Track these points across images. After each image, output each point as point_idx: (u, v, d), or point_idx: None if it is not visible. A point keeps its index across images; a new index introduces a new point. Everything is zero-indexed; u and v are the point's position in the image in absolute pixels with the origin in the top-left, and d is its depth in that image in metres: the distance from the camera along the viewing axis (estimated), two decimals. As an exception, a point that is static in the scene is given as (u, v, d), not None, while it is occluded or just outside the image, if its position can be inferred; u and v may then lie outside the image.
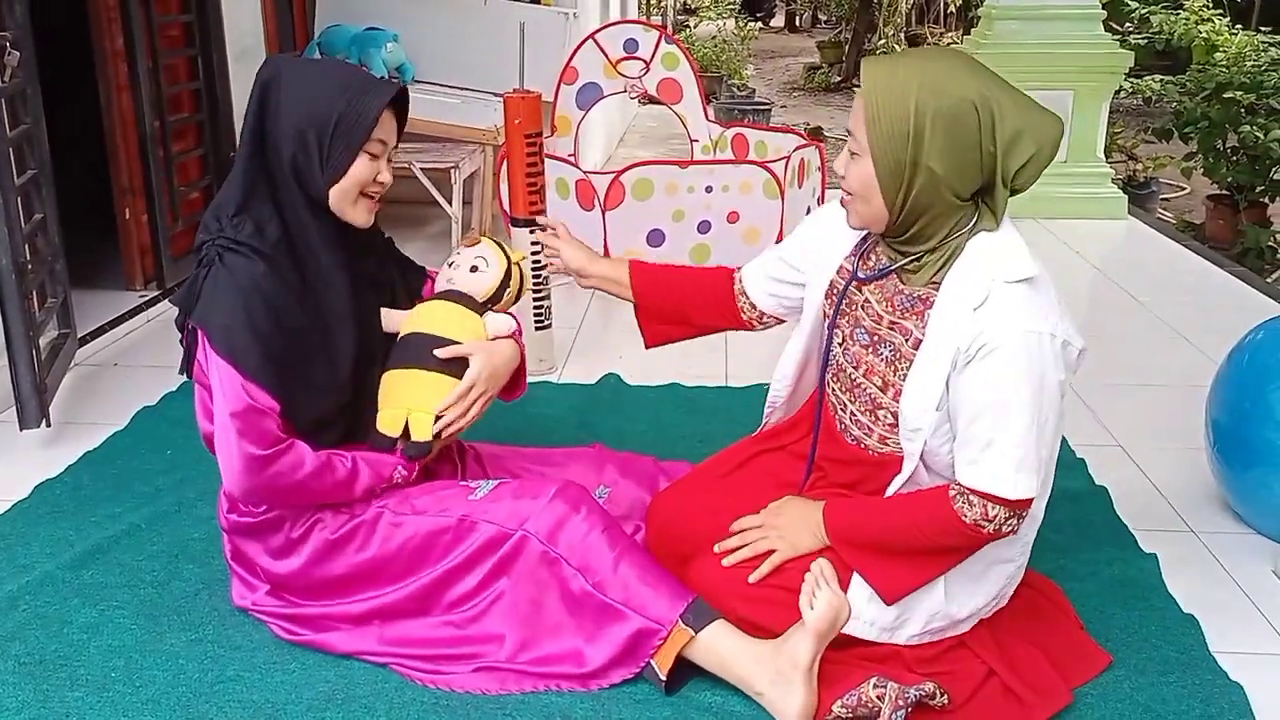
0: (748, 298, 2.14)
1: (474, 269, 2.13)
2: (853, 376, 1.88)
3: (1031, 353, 1.65)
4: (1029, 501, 1.71)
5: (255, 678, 1.90)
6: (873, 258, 1.88)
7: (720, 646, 1.83)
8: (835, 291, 1.93)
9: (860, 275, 1.87)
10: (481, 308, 2.13)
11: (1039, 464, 1.70)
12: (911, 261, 1.78)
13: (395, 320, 2.09)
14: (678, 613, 1.82)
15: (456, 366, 2.03)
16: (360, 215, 1.92)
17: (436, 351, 2.01)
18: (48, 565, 2.25)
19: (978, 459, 1.70)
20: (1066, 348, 1.70)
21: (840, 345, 1.92)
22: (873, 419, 1.86)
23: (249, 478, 1.84)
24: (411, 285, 2.19)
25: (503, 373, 2.09)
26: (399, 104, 1.95)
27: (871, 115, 1.66)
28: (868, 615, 1.84)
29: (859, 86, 1.73)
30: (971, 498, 1.70)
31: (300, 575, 1.97)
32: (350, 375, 1.97)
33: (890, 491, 1.85)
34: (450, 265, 2.15)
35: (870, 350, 1.85)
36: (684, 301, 2.19)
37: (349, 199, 1.90)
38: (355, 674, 1.91)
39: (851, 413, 1.91)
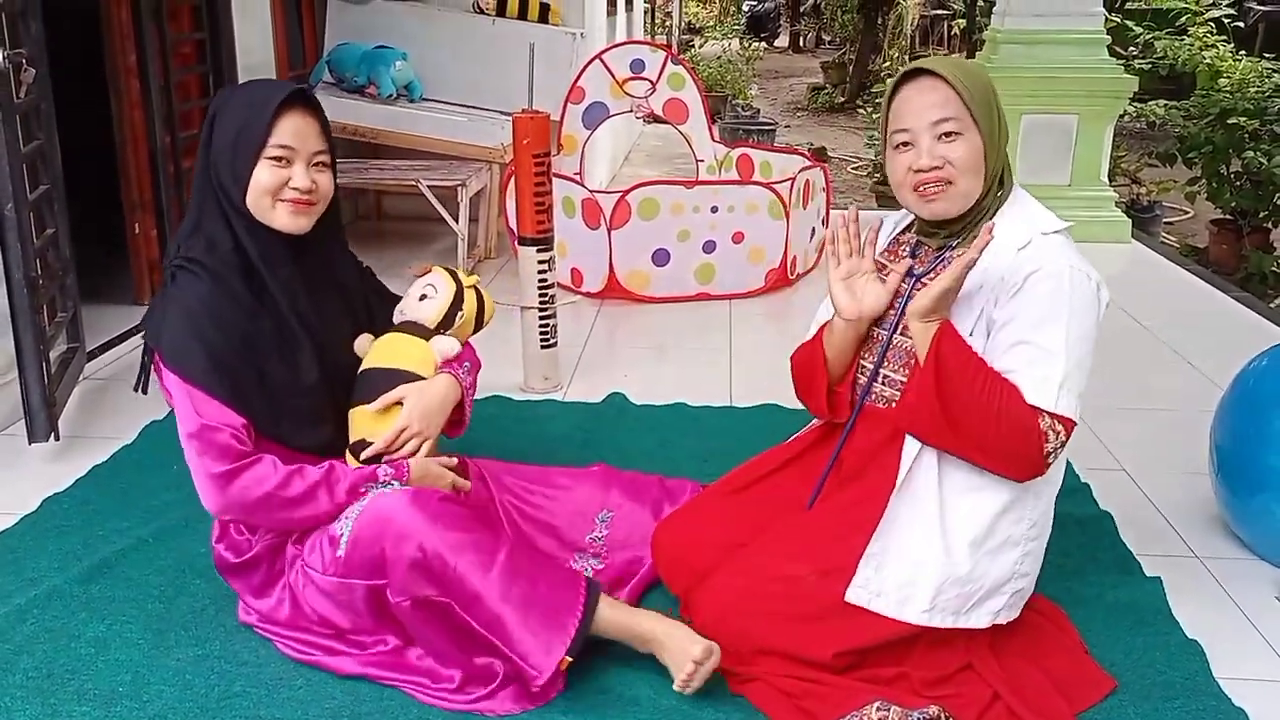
0: None
1: (423, 296, 2.18)
2: (896, 341, 1.97)
3: (1084, 289, 1.81)
4: (1072, 427, 1.80)
5: (262, 694, 1.91)
6: (919, 252, 1.99)
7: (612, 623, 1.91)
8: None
9: (917, 273, 1.97)
10: (431, 333, 2.17)
11: (1083, 394, 1.81)
12: (963, 238, 1.91)
13: (364, 348, 2.14)
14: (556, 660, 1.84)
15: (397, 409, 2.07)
16: (282, 219, 1.96)
17: (368, 407, 2.05)
18: (56, 579, 2.26)
19: (1040, 379, 1.77)
20: (1100, 290, 1.84)
21: (878, 324, 2.01)
22: (905, 370, 1.94)
23: (216, 495, 1.88)
24: (386, 314, 2.22)
25: (436, 410, 2.09)
26: (314, 111, 1.99)
27: (967, 93, 1.83)
28: (873, 586, 1.86)
29: (912, 84, 1.87)
30: (1043, 414, 1.77)
31: (277, 613, 2.02)
32: (319, 375, 2.02)
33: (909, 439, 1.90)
34: (405, 297, 2.21)
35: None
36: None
37: (264, 205, 1.94)
38: (362, 691, 1.92)
39: (884, 375, 1.99)
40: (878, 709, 1.78)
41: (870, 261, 1.98)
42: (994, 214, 1.90)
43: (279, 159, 1.93)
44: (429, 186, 4.64)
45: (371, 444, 2.04)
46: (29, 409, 2.82)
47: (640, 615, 1.96)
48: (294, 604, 2.00)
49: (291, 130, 1.94)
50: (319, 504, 1.94)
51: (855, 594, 1.88)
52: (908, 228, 2.07)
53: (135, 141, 4.00)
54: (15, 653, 2.02)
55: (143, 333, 1.96)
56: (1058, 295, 1.79)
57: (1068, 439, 1.80)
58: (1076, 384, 1.80)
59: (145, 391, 2.01)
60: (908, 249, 2.03)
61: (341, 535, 1.91)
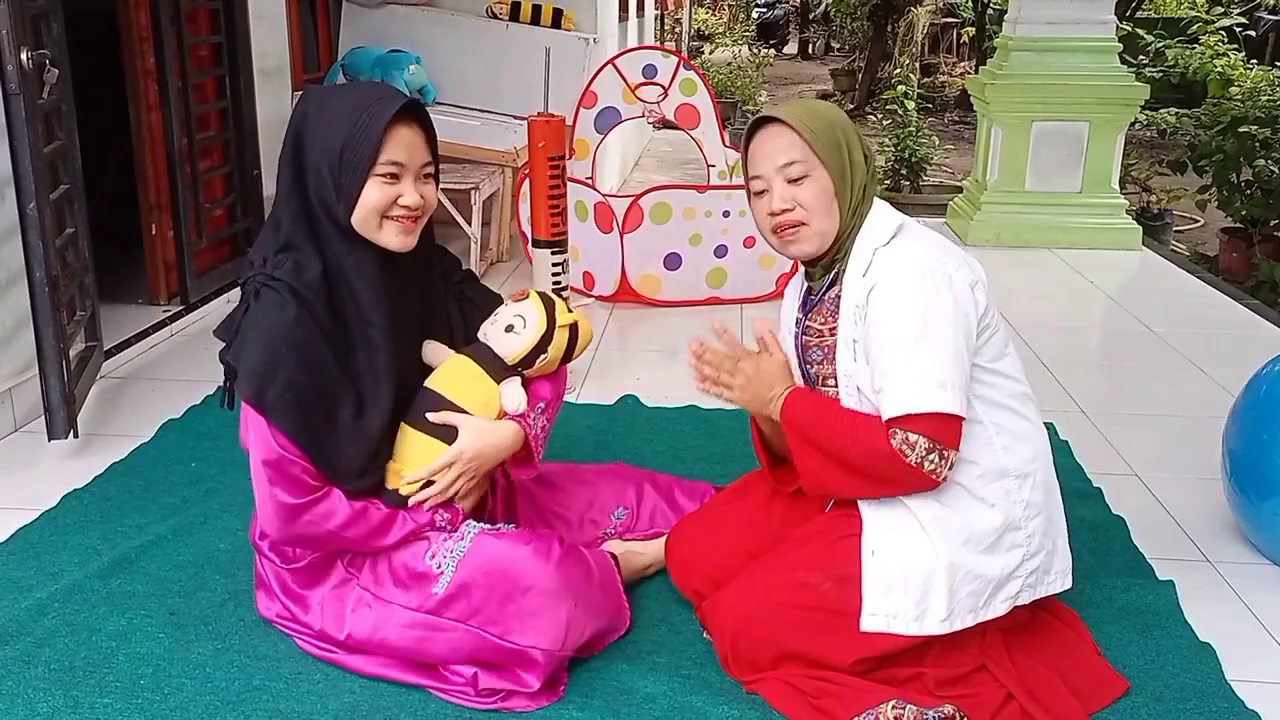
0: None
1: (509, 328, 2.04)
2: (832, 389, 1.99)
3: (909, 282, 1.83)
4: (943, 420, 1.78)
5: (281, 688, 1.93)
6: (810, 295, 2.04)
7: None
8: (798, 343, 2.08)
9: (800, 315, 2.04)
10: (507, 372, 2.04)
11: (944, 381, 1.79)
12: (837, 274, 1.96)
13: (438, 357, 2.06)
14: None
15: (449, 432, 1.98)
16: (391, 238, 1.87)
17: (429, 415, 1.98)
18: (76, 574, 2.29)
19: (886, 388, 1.81)
20: (949, 279, 1.84)
21: (816, 379, 2.05)
22: (860, 405, 1.95)
23: (282, 526, 1.86)
24: (471, 325, 2.12)
25: (491, 456, 2.00)
26: (422, 121, 1.91)
27: (810, 134, 1.88)
28: (887, 609, 1.86)
29: (761, 133, 1.93)
30: (894, 428, 1.80)
31: (308, 616, 2.00)
32: (385, 425, 1.94)
33: None
34: (493, 319, 2.08)
35: (827, 361, 1.98)
36: None
37: (371, 225, 1.85)
38: (381, 686, 1.93)
39: (842, 396, 2.00)
40: (893, 708, 1.80)
41: (745, 362, 2.00)
42: (851, 246, 1.92)
43: (388, 176, 1.83)
44: (442, 190, 4.65)
45: (413, 471, 1.97)
46: (49, 406, 2.85)
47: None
48: (333, 617, 1.97)
49: (402, 144, 1.83)
50: (372, 545, 1.93)
51: (871, 622, 1.86)
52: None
53: (153, 143, 4.03)
54: (37, 646, 2.04)
55: (221, 348, 1.90)
56: (892, 302, 1.82)
57: (940, 437, 1.78)
58: (933, 378, 1.78)
59: (232, 408, 1.91)
60: (802, 294, 2.08)
61: (442, 574, 1.89)
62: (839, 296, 1.94)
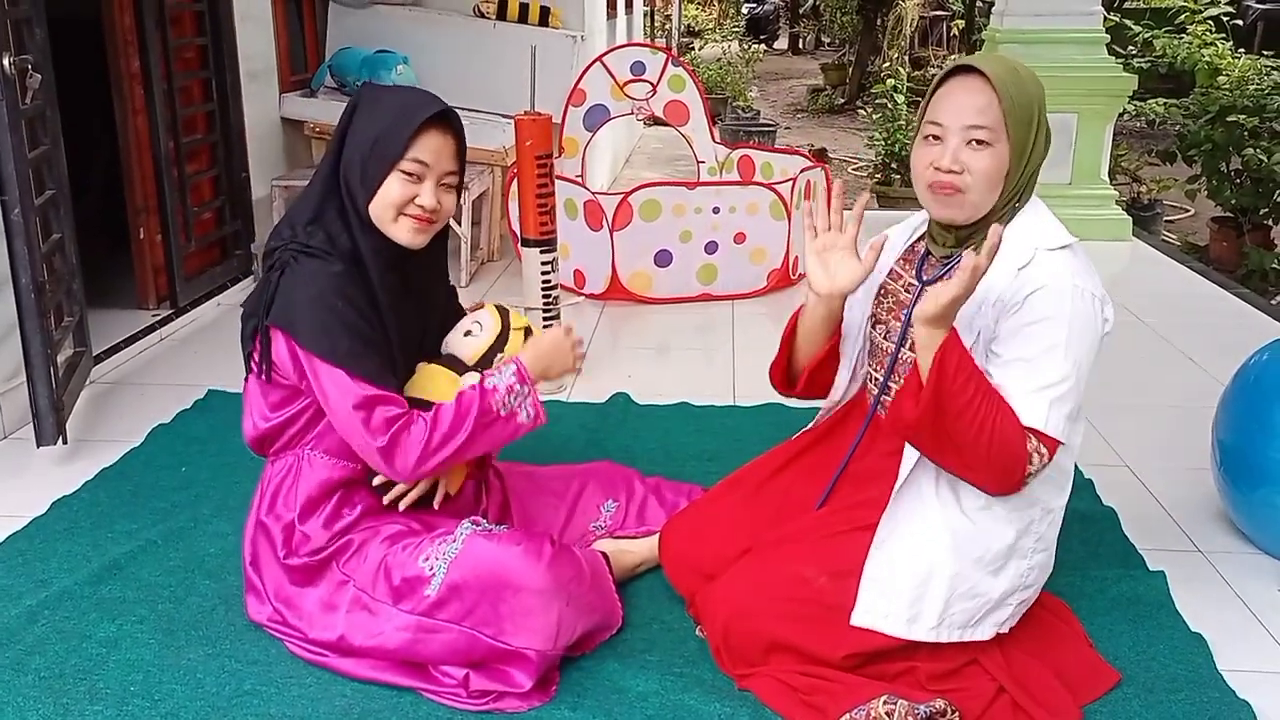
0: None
1: (467, 333, 2.16)
2: (903, 355, 1.94)
3: (1084, 308, 1.77)
4: (1059, 449, 1.78)
5: (272, 692, 1.93)
6: (930, 257, 1.95)
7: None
8: (889, 296, 2.00)
9: (926, 279, 1.93)
10: (466, 370, 2.12)
11: (1073, 414, 1.78)
12: (974, 245, 1.85)
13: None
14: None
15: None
16: (403, 234, 1.94)
17: None
18: (66, 580, 2.28)
19: (1032, 399, 1.75)
20: (1104, 309, 1.82)
21: (884, 336, 2.00)
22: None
23: (388, 469, 1.89)
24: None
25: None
26: (456, 131, 1.97)
27: (1009, 103, 1.77)
28: (880, 608, 1.86)
29: (959, 80, 1.81)
30: (1030, 435, 1.75)
31: (300, 619, 2.00)
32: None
33: (906, 453, 1.88)
34: (454, 330, 2.18)
35: (895, 319, 1.93)
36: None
37: (386, 217, 1.93)
38: (373, 689, 1.93)
39: (893, 389, 1.96)
40: (884, 703, 1.80)
41: (850, 237, 1.91)
42: (1005, 224, 1.85)
43: (411, 174, 1.91)
44: (431, 189, 4.65)
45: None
46: (37, 413, 2.84)
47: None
48: (326, 620, 1.97)
49: (430, 147, 1.91)
50: (477, 429, 1.92)
51: (862, 617, 1.86)
52: (921, 237, 2.02)
53: (139, 147, 4.02)
54: (27, 653, 2.03)
55: (256, 319, 1.91)
56: (1058, 315, 1.75)
57: (1051, 460, 1.77)
58: (1068, 405, 1.76)
59: (269, 379, 1.94)
60: (917, 257, 1.99)
61: (434, 576, 1.90)
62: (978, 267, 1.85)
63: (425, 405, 2.01)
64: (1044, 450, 1.75)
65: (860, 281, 1.90)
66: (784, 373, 2.14)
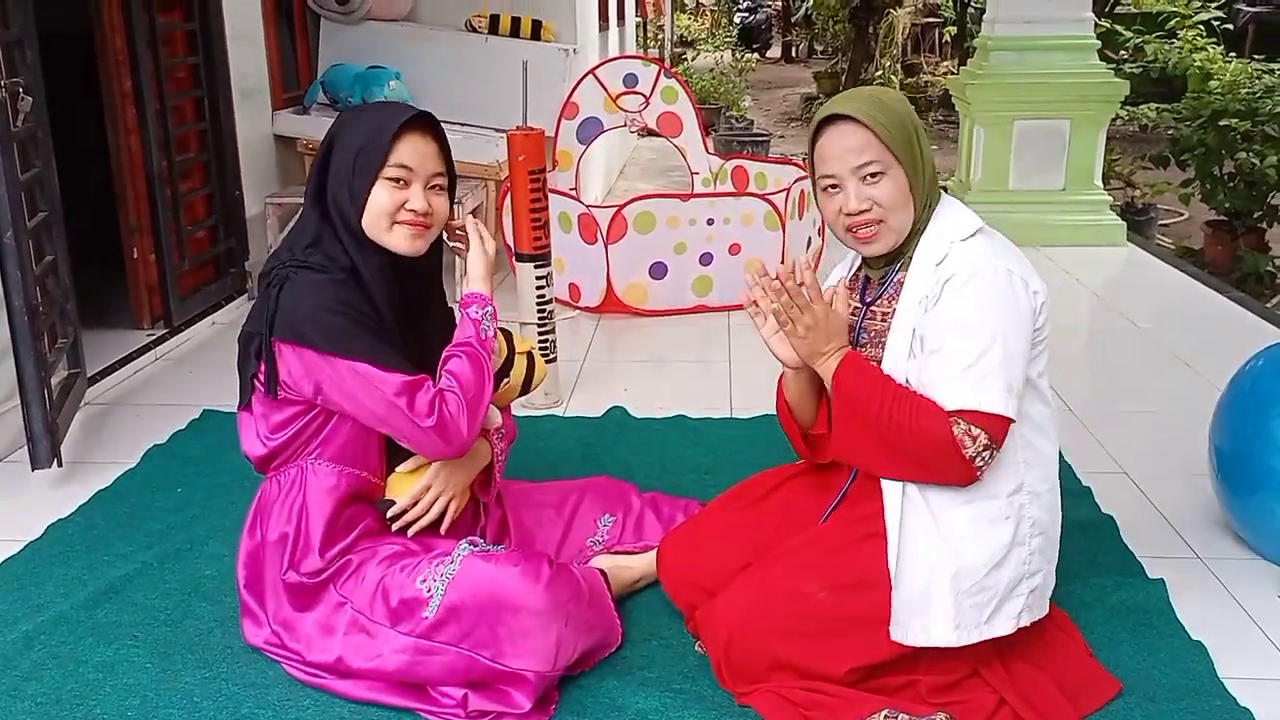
0: None
1: None
2: None
3: (996, 282, 1.81)
4: (1002, 423, 1.77)
5: (269, 715, 1.91)
6: (869, 283, 1.99)
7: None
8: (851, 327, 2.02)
9: (868, 300, 1.98)
10: None
11: (1010, 386, 1.78)
12: (903, 261, 1.92)
13: None
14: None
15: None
16: (400, 242, 1.94)
17: (400, 466, 2.04)
18: (62, 605, 2.27)
19: (956, 381, 1.78)
20: (1027, 285, 1.84)
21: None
22: None
23: (443, 445, 1.90)
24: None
25: (466, 472, 2.08)
26: (436, 134, 1.97)
27: (885, 132, 1.84)
28: (900, 618, 1.85)
29: (831, 129, 1.88)
30: (958, 419, 1.76)
31: (298, 643, 1.99)
32: None
33: None
34: None
35: (872, 345, 1.95)
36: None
37: (380, 228, 1.93)
38: (370, 710, 1.92)
39: None
40: (885, 716, 1.79)
41: (818, 305, 1.91)
42: (922, 234, 1.91)
43: (397, 180, 1.91)
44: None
45: (396, 501, 2.02)
46: (31, 436, 2.83)
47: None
48: (324, 642, 1.96)
49: (411, 151, 1.92)
50: (485, 378, 1.96)
51: (896, 631, 1.86)
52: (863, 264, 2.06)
53: (132, 166, 4.02)
54: (23, 679, 2.02)
55: (260, 338, 1.90)
56: (970, 295, 1.80)
57: (996, 436, 1.77)
58: (999, 379, 1.77)
59: (276, 395, 1.93)
60: (861, 280, 2.04)
61: (432, 598, 1.88)
62: (901, 284, 1.91)
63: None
64: (977, 430, 1.76)
65: (841, 336, 1.94)
66: (807, 445, 2.14)
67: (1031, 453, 1.88)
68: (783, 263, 4.46)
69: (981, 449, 1.76)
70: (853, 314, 2.00)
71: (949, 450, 1.76)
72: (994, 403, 1.76)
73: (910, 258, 1.91)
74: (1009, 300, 1.80)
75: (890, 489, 1.88)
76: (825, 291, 1.96)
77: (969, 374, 1.77)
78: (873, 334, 1.96)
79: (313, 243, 1.94)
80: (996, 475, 1.84)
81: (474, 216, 2.06)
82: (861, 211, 1.86)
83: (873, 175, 1.85)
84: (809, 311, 1.88)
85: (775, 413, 2.18)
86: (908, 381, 1.85)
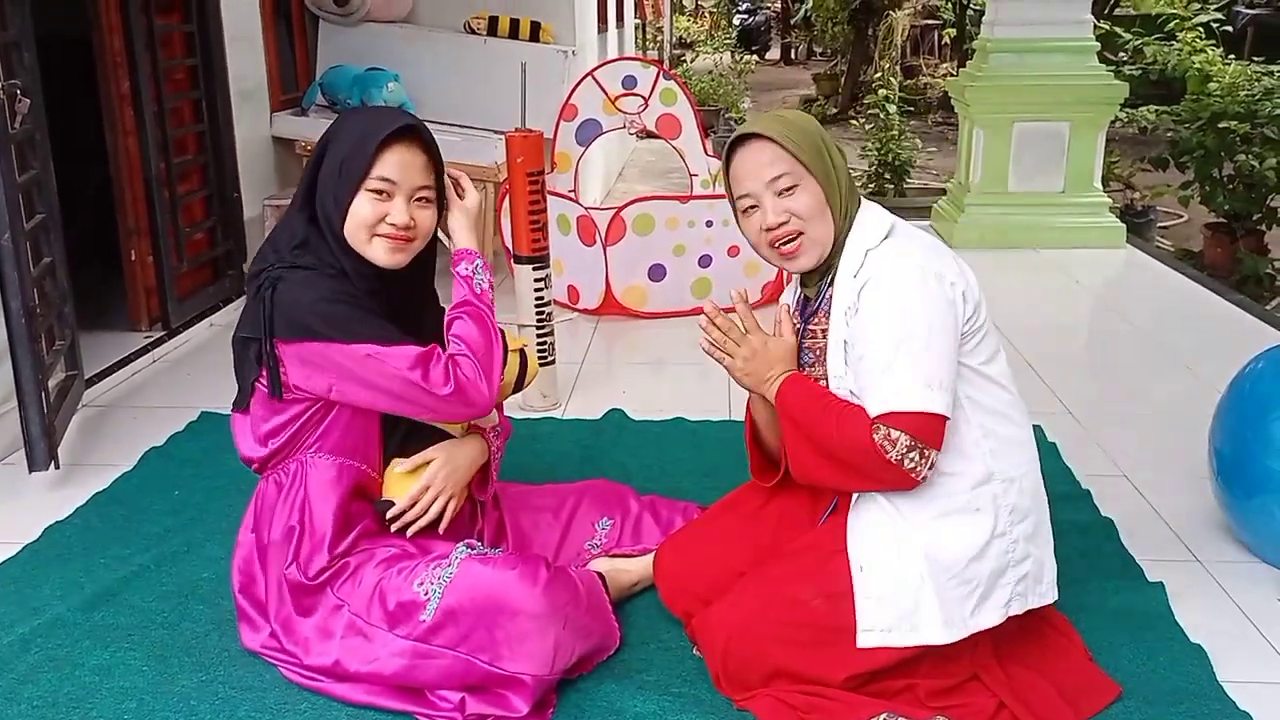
0: None
1: None
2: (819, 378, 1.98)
3: (906, 282, 1.82)
4: (928, 419, 1.77)
5: (266, 718, 1.91)
6: (808, 299, 2.02)
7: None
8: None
9: (805, 317, 2.02)
10: None
11: (930, 381, 1.77)
12: (832, 278, 1.94)
13: None
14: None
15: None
16: (379, 254, 1.93)
17: (397, 467, 2.04)
18: (59, 608, 2.26)
19: (871, 385, 1.80)
20: (941, 279, 1.84)
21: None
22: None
23: (474, 403, 1.90)
24: None
25: (462, 471, 2.07)
26: (424, 144, 1.95)
27: (794, 145, 1.87)
28: (881, 624, 1.84)
29: (741, 150, 1.92)
30: (878, 424, 1.78)
31: (296, 647, 1.99)
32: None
33: None
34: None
35: (819, 364, 1.96)
36: None
37: (360, 239, 1.91)
38: (367, 714, 1.91)
39: None
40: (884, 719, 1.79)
41: (754, 336, 1.98)
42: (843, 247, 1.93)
43: (379, 192, 1.89)
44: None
45: (395, 502, 2.02)
46: (29, 438, 2.82)
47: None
48: (321, 645, 1.95)
49: (395, 163, 1.90)
50: (493, 338, 1.96)
51: (867, 638, 1.85)
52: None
53: (130, 168, 4.01)
54: (20, 682, 2.01)
55: (258, 342, 1.89)
56: (884, 299, 1.81)
57: (921, 436, 1.76)
58: (918, 376, 1.77)
59: (281, 396, 1.92)
60: (800, 301, 2.06)
61: (429, 601, 1.88)
62: (832, 298, 1.93)
63: (424, 428, 2.04)
64: (896, 433, 1.76)
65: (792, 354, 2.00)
66: (763, 465, 2.16)
67: (995, 441, 1.88)
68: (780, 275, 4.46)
69: (905, 451, 1.76)
70: (796, 334, 2.02)
71: (873, 456, 1.78)
72: (911, 400, 1.76)
73: (837, 270, 1.93)
74: (920, 296, 1.81)
75: (867, 499, 1.89)
76: (779, 319, 2.00)
77: (885, 377, 1.79)
78: (817, 352, 1.98)
79: (301, 245, 1.93)
80: (958, 469, 1.84)
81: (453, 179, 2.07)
82: (780, 225, 1.88)
83: (787, 189, 1.88)
84: (745, 343, 1.95)
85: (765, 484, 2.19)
86: (851, 395, 1.87)
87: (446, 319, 1.98)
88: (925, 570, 1.83)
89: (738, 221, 1.99)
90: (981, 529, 1.86)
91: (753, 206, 1.92)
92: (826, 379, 1.93)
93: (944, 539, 1.84)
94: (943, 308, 1.82)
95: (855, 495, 1.92)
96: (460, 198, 2.06)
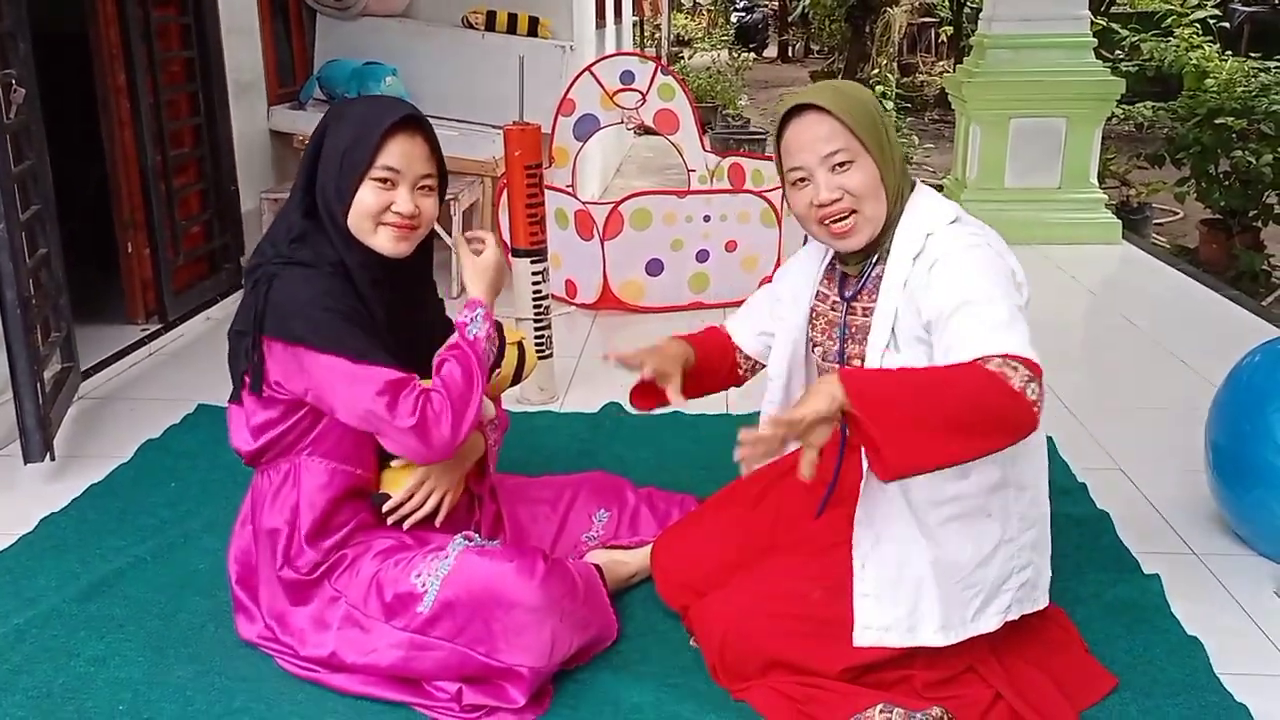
0: (741, 351, 2.20)
1: None
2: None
3: (986, 255, 1.79)
4: (1029, 362, 1.60)
5: (263, 709, 1.90)
6: (847, 276, 1.98)
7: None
8: (820, 318, 2.02)
9: (848, 295, 1.96)
10: None
11: (1031, 341, 1.65)
12: (879, 254, 1.90)
13: None
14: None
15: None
16: (384, 243, 1.92)
17: (394, 462, 2.01)
18: (54, 598, 2.26)
19: (969, 336, 1.66)
20: (1014, 275, 1.80)
21: (823, 357, 2.00)
22: None
23: (433, 445, 1.83)
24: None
25: (460, 465, 2.06)
26: (426, 133, 1.95)
27: (851, 120, 1.82)
28: (879, 623, 1.84)
29: (797, 121, 1.86)
30: (1012, 361, 1.60)
31: (291, 637, 1.99)
32: None
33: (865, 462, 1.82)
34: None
35: (854, 342, 1.94)
36: (709, 365, 2.15)
37: (365, 228, 1.91)
38: (364, 704, 1.91)
39: None
40: (880, 711, 1.79)
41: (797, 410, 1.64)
42: (896, 226, 1.88)
43: (384, 180, 1.89)
44: (421, 201, 4.64)
45: (391, 496, 2.01)
46: (24, 430, 2.82)
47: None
48: (318, 636, 1.95)
49: (399, 152, 1.89)
50: (476, 386, 1.90)
51: (863, 636, 1.84)
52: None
53: (126, 161, 4.00)
54: (14, 672, 2.01)
55: (250, 335, 1.88)
56: (964, 265, 1.76)
57: (1037, 376, 1.60)
58: (1021, 329, 1.66)
59: (261, 392, 1.91)
60: (838, 276, 2.01)
61: (426, 593, 1.87)
62: (879, 277, 1.89)
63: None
64: (1014, 362, 1.59)
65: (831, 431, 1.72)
66: (645, 393, 2.08)
67: (1020, 444, 1.85)
68: (777, 268, 4.46)
69: (1026, 380, 1.58)
70: (833, 309, 1.99)
71: (998, 385, 1.56)
72: (1021, 347, 1.62)
73: (887, 250, 1.88)
74: (1001, 269, 1.78)
75: (879, 493, 1.85)
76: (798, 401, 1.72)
77: (987, 329, 1.65)
78: (853, 329, 1.95)
79: (299, 238, 1.92)
80: (974, 471, 1.82)
81: (459, 233, 2.04)
82: (833, 201, 1.83)
83: (841, 164, 1.82)
84: (793, 417, 1.59)
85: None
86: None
87: (436, 360, 1.94)
88: (930, 572, 1.83)
89: (784, 193, 1.93)
90: (991, 534, 1.85)
91: (803, 180, 1.86)
92: (863, 357, 1.89)
93: (954, 542, 1.84)
94: (1014, 288, 1.78)
95: (865, 490, 1.87)
96: (478, 254, 2.04)
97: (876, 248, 1.91)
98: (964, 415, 1.57)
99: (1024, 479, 1.89)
